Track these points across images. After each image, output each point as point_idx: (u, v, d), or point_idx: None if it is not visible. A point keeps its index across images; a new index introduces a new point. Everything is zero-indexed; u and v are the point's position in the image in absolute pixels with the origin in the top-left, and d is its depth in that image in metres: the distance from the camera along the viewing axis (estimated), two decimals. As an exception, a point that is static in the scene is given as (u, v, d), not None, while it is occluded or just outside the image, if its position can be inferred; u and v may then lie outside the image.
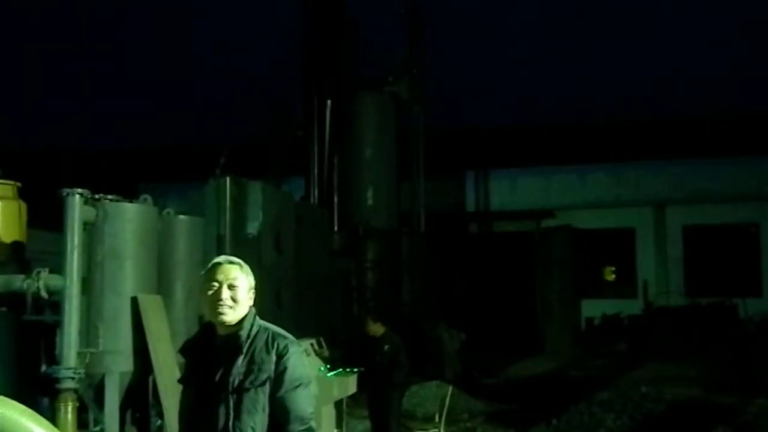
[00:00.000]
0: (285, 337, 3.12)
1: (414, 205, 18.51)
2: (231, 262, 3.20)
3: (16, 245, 8.30)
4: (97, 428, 7.32)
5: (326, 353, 8.13)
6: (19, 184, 8.78)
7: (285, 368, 3.02)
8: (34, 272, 7.11)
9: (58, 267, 7.17)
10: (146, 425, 7.80)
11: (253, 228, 11.26)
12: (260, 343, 3.08)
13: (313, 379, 3.18)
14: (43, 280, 7.03)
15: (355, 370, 8.26)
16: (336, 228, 16.22)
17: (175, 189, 20.69)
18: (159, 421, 7.62)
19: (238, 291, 3.11)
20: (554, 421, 10.54)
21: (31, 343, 7.69)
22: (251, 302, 3.19)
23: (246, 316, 3.14)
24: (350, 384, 8.22)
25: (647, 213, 22.14)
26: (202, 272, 3.24)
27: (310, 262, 13.33)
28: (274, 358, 3.04)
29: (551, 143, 22.41)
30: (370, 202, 17.31)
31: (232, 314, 3.09)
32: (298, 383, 3.04)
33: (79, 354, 6.96)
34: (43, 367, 6.95)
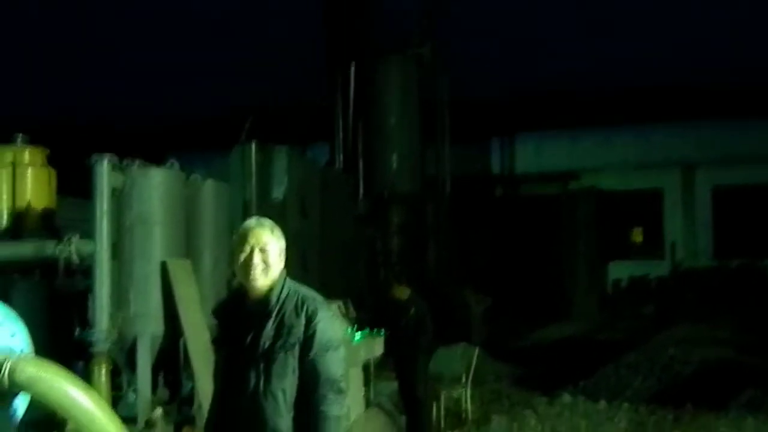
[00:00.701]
0: (314, 300, 3.12)
1: (439, 170, 18.44)
2: (262, 226, 3.20)
3: (46, 212, 8.39)
4: (131, 390, 7.47)
5: (353, 315, 8.19)
6: (48, 151, 8.85)
7: (314, 331, 3.01)
8: (66, 238, 7.21)
9: (88, 233, 7.28)
10: (178, 387, 7.95)
11: (278, 193, 11.31)
12: (290, 307, 3.08)
13: (342, 342, 3.15)
14: (75, 246, 7.13)
15: (381, 332, 8.32)
16: (361, 193, 16.24)
17: (200, 158, 20.76)
18: (190, 384, 7.75)
19: (270, 254, 3.12)
20: (581, 384, 10.57)
21: (65, 307, 7.85)
22: (282, 264, 3.19)
23: (277, 279, 3.14)
24: (377, 346, 8.29)
25: (675, 174, 21.86)
26: (234, 236, 3.24)
27: (336, 227, 13.38)
28: (303, 321, 3.03)
29: (577, 106, 22.12)
30: (394, 167, 17.26)
31: (263, 278, 3.10)
32: (328, 346, 3.03)
33: (111, 317, 7.08)
34: (77, 331, 7.07)
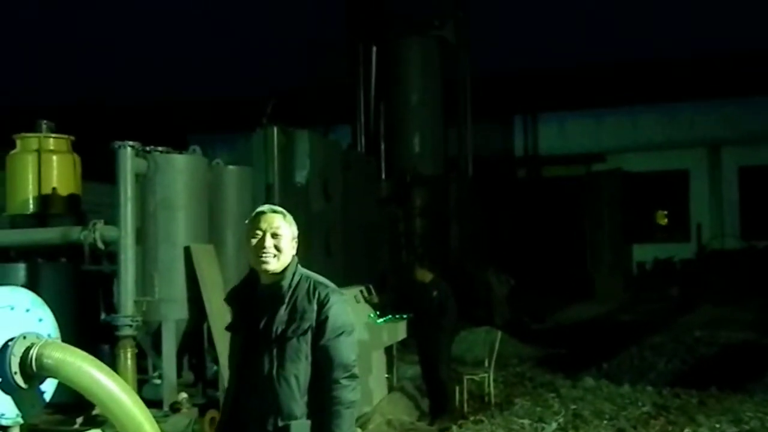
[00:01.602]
0: (326, 286, 3.13)
1: (461, 151, 18.35)
2: (274, 211, 3.22)
3: (71, 198, 8.48)
4: (156, 374, 7.56)
5: (375, 300, 8.21)
6: (72, 137, 8.93)
7: (327, 317, 3.03)
8: (91, 223, 7.29)
9: (112, 219, 7.35)
10: (202, 371, 8.04)
11: (301, 176, 11.34)
12: (302, 292, 3.09)
13: (354, 327, 3.15)
14: (99, 231, 7.20)
15: (405, 316, 8.34)
16: (383, 175, 16.23)
17: (222, 140, 20.86)
18: (215, 367, 7.83)
19: (282, 240, 3.12)
20: (605, 365, 10.53)
21: (91, 292, 7.95)
22: (294, 251, 3.19)
23: (289, 265, 3.14)
24: (400, 330, 8.33)
25: (701, 154, 21.56)
26: (246, 221, 3.26)
27: (358, 209, 13.40)
28: (315, 307, 3.05)
29: (601, 84, 21.85)
30: (417, 148, 17.22)
31: (275, 263, 3.10)
32: (340, 331, 3.04)
33: (136, 302, 7.15)
34: (102, 316, 7.17)
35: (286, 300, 3.08)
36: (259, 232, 3.13)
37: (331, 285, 3.17)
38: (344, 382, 3.01)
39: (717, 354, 11.41)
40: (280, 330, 3.06)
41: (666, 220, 22.71)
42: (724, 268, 18.56)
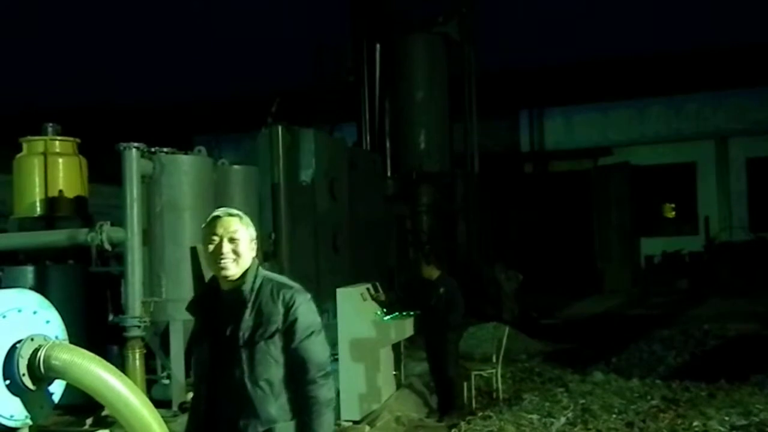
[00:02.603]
0: (290, 287, 3.07)
1: (467, 147, 18.32)
2: (230, 215, 3.13)
3: (78, 200, 8.53)
4: (165, 373, 7.60)
5: (382, 297, 8.21)
6: (78, 140, 8.97)
7: (295, 318, 2.98)
8: (97, 225, 7.33)
9: (119, 220, 7.39)
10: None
11: (306, 175, 11.34)
12: (266, 295, 3.03)
13: (322, 326, 3.11)
14: (106, 233, 7.24)
15: (412, 313, 8.35)
16: (389, 173, 16.22)
17: (229, 140, 20.91)
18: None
19: (239, 244, 3.04)
20: (613, 360, 10.51)
21: (99, 293, 7.99)
22: (254, 253, 3.12)
23: (249, 268, 3.07)
24: (407, 327, 8.33)
25: (708, 146, 21.46)
26: (203, 226, 3.17)
27: (365, 207, 13.40)
28: (281, 309, 2.99)
29: (607, 78, 21.78)
30: (422, 146, 17.18)
31: (234, 268, 3.03)
32: (310, 331, 3.00)
33: (144, 303, 7.19)
34: (111, 317, 7.20)
35: (250, 304, 3.03)
36: (216, 238, 3.06)
37: (296, 285, 3.12)
38: (321, 381, 3.00)
39: (726, 347, 11.35)
40: (247, 335, 3.00)
41: (674, 213, 22.64)
42: (732, 261, 18.48)
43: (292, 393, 3.00)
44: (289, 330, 2.99)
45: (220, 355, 3.05)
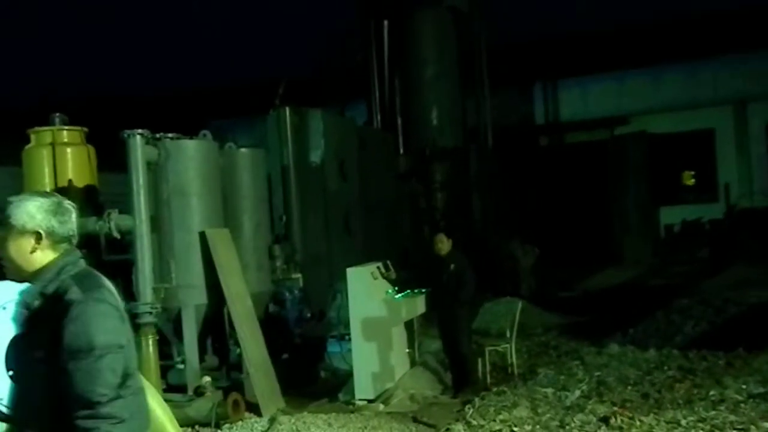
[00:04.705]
0: (79, 291, 2.46)
1: (480, 122, 18.18)
2: None
3: (88, 189, 8.55)
4: (179, 359, 7.65)
5: (393, 276, 8.20)
6: (86, 129, 8.99)
7: (65, 334, 2.39)
8: (105, 214, 7.36)
9: (126, 208, 7.42)
10: (226, 354, 8.11)
11: (316, 156, 11.33)
12: (45, 304, 2.49)
13: (111, 347, 2.42)
14: (114, 221, 7.28)
15: (423, 290, 8.33)
16: (402, 150, 16.16)
17: (242, 124, 20.89)
18: (237, 350, 7.90)
19: (8, 248, 2.54)
20: (630, 331, 10.43)
21: (113, 282, 8.04)
22: (55, 252, 2.55)
23: (41, 269, 2.53)
24: (418, 305, 8.32)
25: (727, 112, 21.06)
26: None
27: (377, 186, 13.37)
28: (56, 320, 2.42)
29: (621, 46, 21.43)
30: (434, 122, 17.08)
31: (12, 274, 2.58)
32: (78, 353, 2.37)
33: (155, 290, 7.23)
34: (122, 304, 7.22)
35: (28, 315, 2.53)
36: None
37: (93, 285, 2.52)
38: (82, 422, 2.37)
39: (746, 315, 11.19)
40: (23, 355, 2.54)
41: (693, 181, 22.34)
42: (753, 227, 18.22)
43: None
44: (59, 347, 2.38)
45: (17, 374, 2.64)
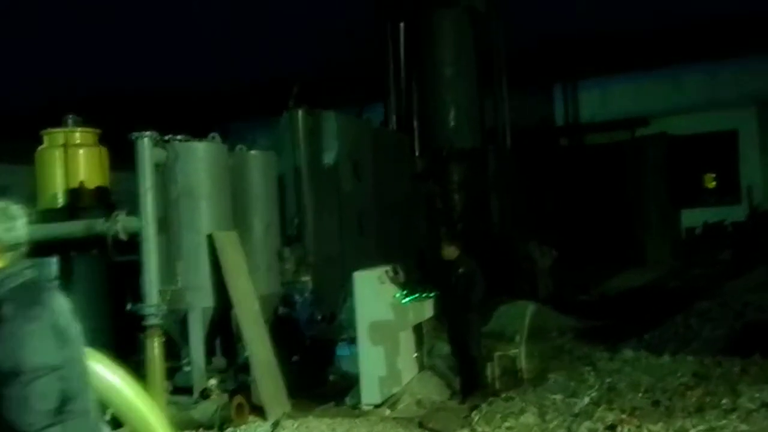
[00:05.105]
0: (10, 309, 2.26)
1: (498, 122, 18.05)
2: None
3: (99, 190, 8.61)
4: (186, 360, 7.65)
5: (401, 279, 8.13)
6: (98, 131, 9.04)
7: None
8: (113, 215, 7.38)
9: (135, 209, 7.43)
10: (233, 356, 8.10)
11: (329, 157, 11.29)
12: None
13: (47, 369, 2.23)
14: (122, 223, 7.30)
15: (431, 294, 8.26)
16: (418, 151, 16.07)
17: (262, 125, 20.91)
18: (246, 352, 7.88)
19: None
20: (646, 336, 10.26)
21: (122, 282, 8.08)
22: None
23: None
24: (426, 308, 8.24)
25: (750, 113, 20.77)
26: None
27: (392, 187, 13.31)
28: None
29: (641, 47, 21.18)
30: (452, 123, 16.98)
31: None
32: (7, 377, 2.18)
33: (161, 292, 7.22)
34: (128, 305, 7.25)
35: None
36: None
37: (29, 301, 2.31)
38: None
39: (765, 320, 10.99)
40: None
41: (714, 183, 22.04)
42: (777, 229, 17.92)
43: None
44: None
45: None
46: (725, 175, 21.55)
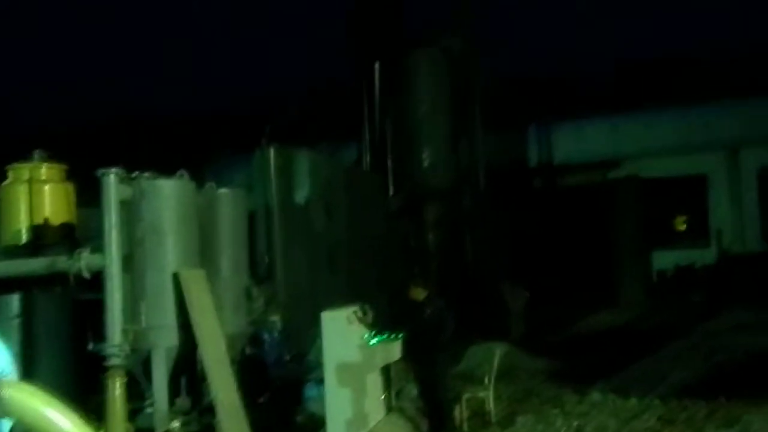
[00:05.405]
0: None
1: (472, 162, 18.16)
2: None
3: (65, 227, 8.49)
4: (149, 402, 7.49)
5: (370, 320, 8.07)
6: (66, 166, 8.95)
7: None
8: (76, 252, 7.27)
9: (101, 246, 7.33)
10: (198, 397, 7.96)
11: (301, 196, 11.29)
12: None
13: None
14: (85, 260, 7.19)
15: (400, 335, 8.20)
16: (392, 191, 16.11)
17: (243, 161, 20.85)
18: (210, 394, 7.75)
19: None
20: (614, 378, 10.27)
21: (83, 321, 7.94)
22: None
23: None
24: (394, 350, 8.18)
25: (720, 157, 21.12)
26: None
27: (364, 226, 13.31)
28: None
29: (614, 89, 21.57)
30: (426, 162, 17.05)
31: None
32: None
33: (124, 331, 7.10)
34: (90, 345, 7.12)
35: None
36: None
37: None
38: None
39: (734, 361, 11.07)
40: None
41: (685, 226, 22.30)
42: (746, 272, 18.14)
43: None
44: None
45: None
46: (695, 218, 21.82)
